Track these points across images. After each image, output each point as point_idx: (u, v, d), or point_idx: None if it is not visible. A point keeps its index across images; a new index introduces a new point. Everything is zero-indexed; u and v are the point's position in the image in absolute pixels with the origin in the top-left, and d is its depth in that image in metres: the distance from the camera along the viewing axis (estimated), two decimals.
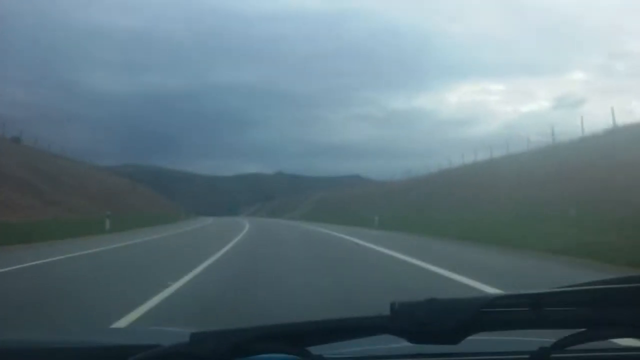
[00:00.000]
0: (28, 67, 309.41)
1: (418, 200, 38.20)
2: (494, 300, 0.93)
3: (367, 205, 46.98)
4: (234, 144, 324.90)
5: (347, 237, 19.87)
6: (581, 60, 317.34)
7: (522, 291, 0.94)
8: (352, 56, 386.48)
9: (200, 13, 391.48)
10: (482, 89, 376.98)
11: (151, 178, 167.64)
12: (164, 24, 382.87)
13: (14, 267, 10.24)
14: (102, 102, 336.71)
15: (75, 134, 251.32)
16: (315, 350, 0.97)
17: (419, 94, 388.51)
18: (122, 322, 5.06)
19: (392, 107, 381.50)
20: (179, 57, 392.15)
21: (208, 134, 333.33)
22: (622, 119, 32.00)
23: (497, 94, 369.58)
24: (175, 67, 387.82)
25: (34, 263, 10.93)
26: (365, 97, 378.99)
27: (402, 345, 1.00)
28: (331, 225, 34.06)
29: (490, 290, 6.67)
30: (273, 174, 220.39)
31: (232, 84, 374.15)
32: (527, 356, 1.00)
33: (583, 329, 0.97)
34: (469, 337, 0.94)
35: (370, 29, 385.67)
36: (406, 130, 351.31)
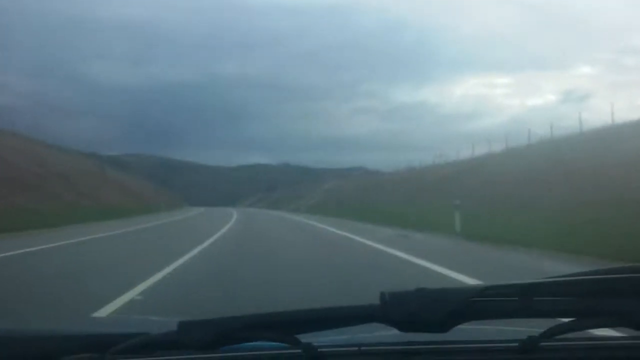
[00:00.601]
0: (33, 59, 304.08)
1: (487, 192, 26.28)
2: (484, 290, 0.93)
3: (400, 197, 35.00)
4: (239, 136, 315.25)
5: None
6: (589, 55, 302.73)
7: (512, 281, 0.94)
8: (357, 49, 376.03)
9: (205, 5, 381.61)
10: (488, 83, 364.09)
11: (153, 168, 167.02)
12: (169, 15, 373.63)
13: None
14: (107, 93, 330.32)
15: (79, 124, 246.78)
16: (305, 338, 0.95)
17: (424, 87, 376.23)
18: None
19: (397, 100, 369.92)
20: (184, 49, 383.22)
21: (213, 125, 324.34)
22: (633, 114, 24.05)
23: (503, 88, 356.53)
24: (180, 59, 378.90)
25: None
26: (370, 90, 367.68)
27: (392, 333, 1.00)
28: (359, 224, 22.08)
29: None
30: (278, 165, 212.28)
31: (237, 76, 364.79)
32: (516, 345, 1.01)
33: (572, 319, 0.97)
34: (459, 326, 0.94)
35: (375, 22, 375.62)
36: (411, 123, 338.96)
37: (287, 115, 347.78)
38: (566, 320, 0.98)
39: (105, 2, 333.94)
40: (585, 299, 0.94)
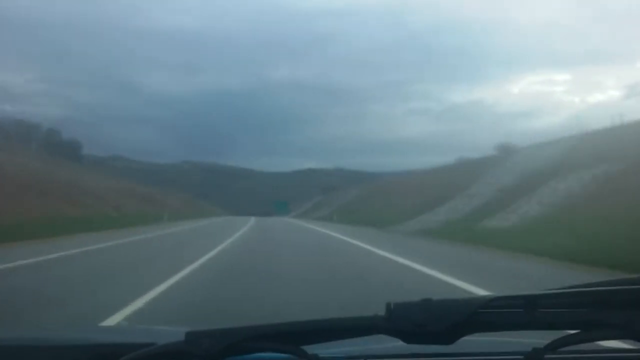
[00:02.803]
0: (90, 70, 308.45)
1: None
2: (489, 302, 0.93)
3: None
4: (292, 141, 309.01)
5: None
6: None
7: (517, 293, 0.94)
8: (411, 49, 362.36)
9: (257, 11, 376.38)
10: (546, 79, 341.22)
11: (207, 174, 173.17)
12: (221, 23, 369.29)
13: None
14: (162, 102, 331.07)
15: (136, 133, 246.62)
16: (310, 349, 0.96)
17: (480, 86, 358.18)
18: None
19: (452, 100, 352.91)
20: (236, 56, 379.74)
21: (266, 131, 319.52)
22: None
23: (562, 85, 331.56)
24: (233, 66, 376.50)
25: None
26: (424, 90, 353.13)
27: (397, 345, 0.99)
28: None
29: None
30: (332, 169, 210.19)
31: (290, 81, 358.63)
32: (521, 357, 1.01)
33: (576, 331, 0.96)
34: (464, 338, 0.94)
35: (429, 21, 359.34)
36: (466, 123, 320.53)
37: (340, 118, 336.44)
38: (571, 332, 0.97)
39: (156, 13, 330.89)
40: (590, 310, 0.93)
